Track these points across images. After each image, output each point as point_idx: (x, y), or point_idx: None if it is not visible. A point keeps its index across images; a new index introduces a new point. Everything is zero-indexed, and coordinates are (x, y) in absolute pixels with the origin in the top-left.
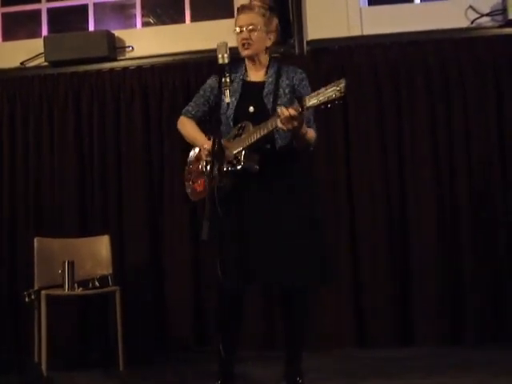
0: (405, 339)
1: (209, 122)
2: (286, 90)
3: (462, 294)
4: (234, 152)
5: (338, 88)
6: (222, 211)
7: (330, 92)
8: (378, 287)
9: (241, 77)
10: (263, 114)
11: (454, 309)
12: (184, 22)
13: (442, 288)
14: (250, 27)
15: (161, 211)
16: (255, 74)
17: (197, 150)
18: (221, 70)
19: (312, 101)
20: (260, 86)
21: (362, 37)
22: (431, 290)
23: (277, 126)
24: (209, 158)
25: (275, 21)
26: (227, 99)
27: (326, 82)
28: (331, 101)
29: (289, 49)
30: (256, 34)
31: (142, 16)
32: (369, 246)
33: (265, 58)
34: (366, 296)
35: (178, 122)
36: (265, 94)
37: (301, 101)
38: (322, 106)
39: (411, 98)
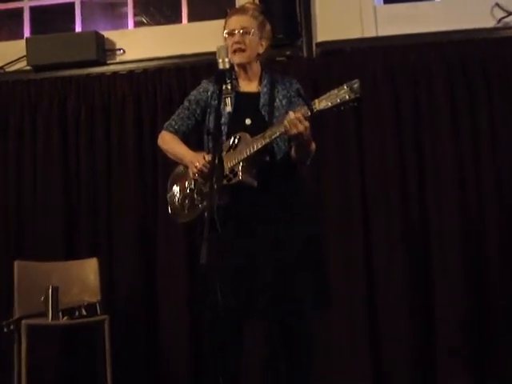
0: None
1: (207, 135)
2: (284, 101)
3: (493, 323)
4: (230, 165)
5: (352, 89)
6: (222, 231)
7: (342, 93)
8: (397, 321)
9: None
10: (261, 127)
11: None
12: (181, 21)
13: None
14: (243, 30)
15: (154, 232)
16: (248, 85)
17: (182, 167)
18: (221, 76)
19: (322, 103)
20: (254, 97)
21: (377, 38)
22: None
23: (281, 133)
24: (197, 176)
25: (268, 26)
26: (228, 108)
27: (337, 85)
28: (344, 103)
29: (296, 51)
30: (249, 38)
31: (134, 15)
32: (385, 266)
33: (256, 67)
34: (383, 330)
35: (159, 137)
36: (261, 105)
37: (310, 104)
38: (335, 109)
39: (432, 104)
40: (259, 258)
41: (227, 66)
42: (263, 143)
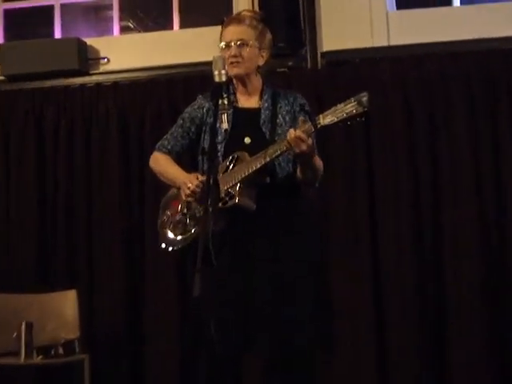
0: None
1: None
2: (287, 118)
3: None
4: (227, 187)
5: (360, 102)
6: (217, 261)
7: (349, 107)
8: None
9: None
10: (261, 146)
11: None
12: (172, 28)
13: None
14: (240, 42)
15: (141, 259)
16: (247, 100)
17: (174, 190)
18: (217, 90)
19: (327, 119)
20: (255, 113)
21: (389, 48)
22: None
23: (283, 152)
24: (190, 199)
25: (268, 35)
26: (225, 125)
27: (344, 99)
28: (351, 117)
29: (299, 62)
30: (247, 50)
31: (121, 20)
32: (394, 291)
33: (257, 80)
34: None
35: (151, 158)
36: (262, 122)
37: (313, 119)
38: (340, 124)
39: (449, 121)
40: (256, 290)
41: (224, 78)
42: (263, 163)
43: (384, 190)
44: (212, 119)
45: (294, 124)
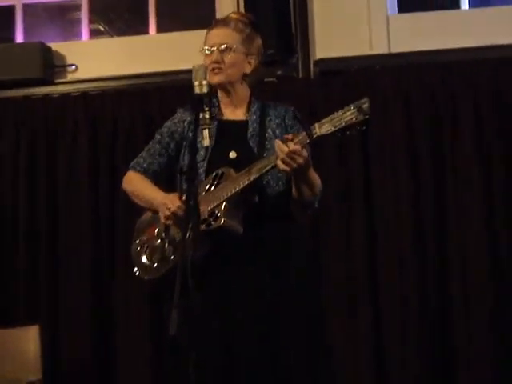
0: None
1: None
2: (277, 131)
3: None
4: (210, 207)
5: (360, 109)
6: (197, 294)
7: (348, 115)
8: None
9: (215, 115)
10: (248, 161)
11: None
12: (147, 32)
13: None
14: (223, 47)
15: (110, 291)
16: (232, 112)
17: (150, 214)
18: (198, 103)
19: (324, 128)
20: (241, 125)
21: (390, 56)
22: None
23: (273, 167)
24: (169, 222)
25: (258, 41)
26: (206, 141)
27: (341, 105)
28: (350, 126)
29: (289, 71)
30: (230, 55)
31: (90, 22)
32: (397, 333)
33: (243, 91)
34: None
35: (124, 179)
36: (249, 135)
37: (308, 128)
38: (339, 134)
39: (456, 137)
40: (240, 333)
41: (205, 90)
42: (251, 179)
43: (384, 213)
44: (192, 134)
45: None
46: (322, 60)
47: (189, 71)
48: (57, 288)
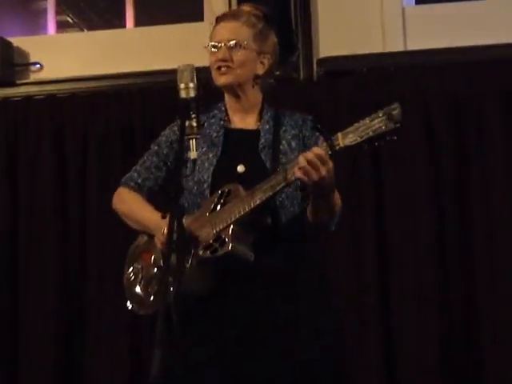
0: None
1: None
2: (293, 144)
3: None
4: (216, 230)
5: (390, 116)
6: (183, 335)
7: (377, 123)
8: None
9: (220, 122)
10: (259, 176)
11: None
12: (124, 25)
13: None
14: (232, 43)
15: (83, 325)
16: (242, 119)
17: (145, 238)
18: (184, 109)
19: (348, 138)
20: (252, 135)
21: (406, 54)
22: None
23: (291, 182)
24: (170, 250)
25: (272, 38)
26: (193, 154)
27: (347, 119)
28: (379, 135)
29: (289, 71)
30: (240, 53)
31: (58, 14)
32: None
33: (254, 95)
34: None
35: (115, 197)
36: (261, 146)
37: (330, 139)
38: (366, 145)
39: (483, 147)
40: (243, 375)
41: (192, 94)
42: (263, 198)
43: (399, 241)
44: (178, 147)
45: (303, 151)
46: (326, 59)
47: (173, 71)
48: (17, 320)
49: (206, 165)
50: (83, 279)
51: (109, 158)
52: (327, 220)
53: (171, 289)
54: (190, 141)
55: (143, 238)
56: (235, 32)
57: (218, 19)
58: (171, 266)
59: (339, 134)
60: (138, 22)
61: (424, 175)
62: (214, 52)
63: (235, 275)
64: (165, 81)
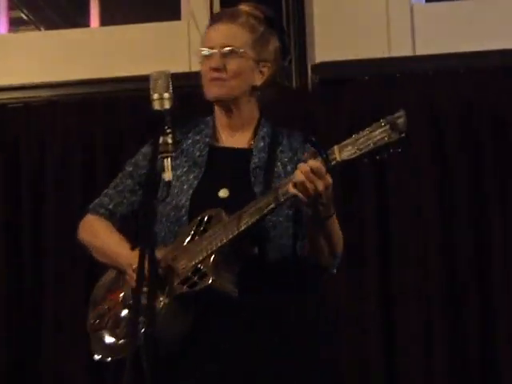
0: None
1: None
2: (289, 168)
3: None
4: (194, 261)
5: (394, 125)
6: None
7: (378, 134)
8: None
9: (206, 139)
10: (245, 201)
11: None
12: (88, 24)
13: None
14: (226, 49)
15: (35, 363)
16: (232, 136)
17: (112, 274)
18: (157, 122)
19: (347, 151)
20: (242, 155)
21: (415, 59)
22: None
23: (282, 203)
24: (141, 286)
25: (274, 43)
26: (167, 175)
27: (346, 132)
28: (382, 148)
29: (280, 79)
30: (235, 61)
31: (10, 9)
32: None
33: (250, 110)
34: None
35: (81, 225)
36: (253, 166)
37: (325, 153)
38: (366, 159)
39: (498, 160)
40: None
41: (167, 105)
42: (249, 223)
43: (404, 275)
44: (149, 166)
45: None
46: (322, 64)
47: (145, 78)
48: None
49: (185, 187)
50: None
51: (68, 179)
52: (328, 257)
53: (142, 330)
54: (165, 160)
55: (109, 275)
56: (231, 36)
57: (212, 20)
58: (142, 304)
59: (336, 147)
60: (105, 21)
61: (434, 196)
62: (206, 59)
63: (217, 310)
64: (135, 89)
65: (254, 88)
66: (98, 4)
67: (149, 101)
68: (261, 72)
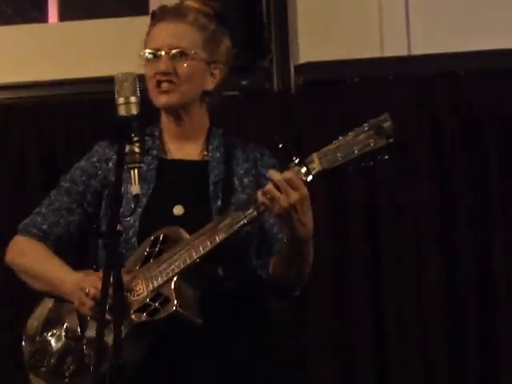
0: None
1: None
2: (245, 181)
3: None
4: (153, 285)
5: (380, 130)
6: None
7: (363, 139)
8: None
9: (153, 152)
10: (202, 219)
11: None
12: (46, 20)
13: None
14: (176, 51)
15: None
16: (182, 148)
17: (50, 304)
18: (123, 130)
19: (327, 160)
20: (196, 168)
21: (410, 59)
22: None
23: (255, 219)
24: (91, 313)
25: (226, 42)
26: (135, 187)
27: (336, 131)
28: (367, 155)
29: (260, 80)
30: (186, 64)
31: None
32: None
33: (200, 116)
34: None
35: (10, 247)
36: (214, 179)
37: (303, 160)
38: (350, 168)
39: (504, 169)
40: None
41: (134, 111)
42: (217, 240)
43: (398, 306)
44: (115, 178)
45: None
46: (307, 65)
47: (109, 80)
48: None
49: (133, 206)
50: None
51: (24, 188)
52: (294, 278)
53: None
54: (131, 171)
55: (47, 305)
56: (180, 36)
57: (156, 18)
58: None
59: (315, 155)
60: (64, 16)
61: (433, 206)
62: (152, 62)
63: (177, 337)
64: (97, 92)
65: (205, 93)
66: None
67: (113, 104)
68: (212, 75)
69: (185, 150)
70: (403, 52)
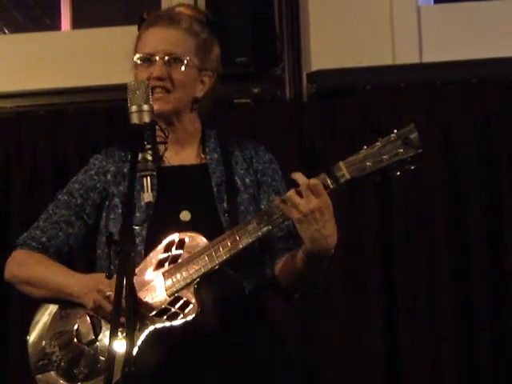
0: None
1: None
2: (247, 180)
3: None
4: (170, 291)
5: (407, 140)
6: None
7: (391, 149)
8: None
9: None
10: (210, 224)
11: None
12: (58, 27)
13: None
14: (171, 57)
15: None
16: (177, 153)
17: (54, 309)
18: (135, 138)
19: (356, 168)
20: (195, 172)
21: (422, 67)
22: None
23: (281, 222)
24: (106, 314)
25: (216, 49)
26: (147, 196)
27: (349, 140)
28: (396, 164)
29: (271, 88)
30: (181, 71)
31: None
32: None
33: (193, 122)
34: None
35: (9, 262)
36: (216, 182)
37: (330, 170)
38: (378, 177)
39: None
40: None
41: (147, 119)
42: (240, 246)
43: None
44: (126, 187)
45: (260, 190)
46: (319, 73)
47: (121, 88)
48: None
49: (138, 215)
50: None
51: (37, 196)
52: (299, 288)
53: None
54: (144, 179)
55: (50, 310)
56: (175, 43)
57: (149, 23)
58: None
59: (341, 164)
60: (77, 24)
61: (446, 220)
62: (145, 66)
63: (194, 340)
64: (110, 99)
65: (195, 100)
66: (70, 5)
67: (125, 112)
68: (202, 82)
69: (181, 155)
70: (415, 60)
